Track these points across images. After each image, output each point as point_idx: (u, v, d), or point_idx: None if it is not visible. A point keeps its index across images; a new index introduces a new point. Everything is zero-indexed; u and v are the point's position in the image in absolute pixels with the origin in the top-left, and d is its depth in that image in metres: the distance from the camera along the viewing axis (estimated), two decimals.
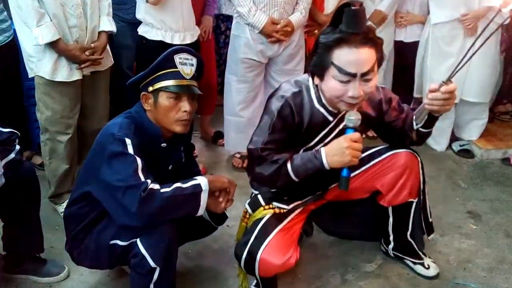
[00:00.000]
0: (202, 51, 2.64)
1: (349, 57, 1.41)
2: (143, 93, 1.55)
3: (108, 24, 2.22)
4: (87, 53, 2.12)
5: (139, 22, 2.45)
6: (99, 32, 2.19)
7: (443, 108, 1.50)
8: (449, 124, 3.08)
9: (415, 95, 3.12)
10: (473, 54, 1.46)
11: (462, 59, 1.43)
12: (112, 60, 2.36)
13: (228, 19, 3.33)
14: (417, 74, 3.07)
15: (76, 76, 2.14)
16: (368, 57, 1.42)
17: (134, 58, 2.75)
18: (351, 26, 1.40)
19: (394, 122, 1.72)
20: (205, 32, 2.84)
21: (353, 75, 1.42)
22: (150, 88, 1.52)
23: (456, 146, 3.09)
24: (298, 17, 2.51)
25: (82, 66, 2.13)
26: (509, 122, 3.43)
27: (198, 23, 2.84)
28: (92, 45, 2.15)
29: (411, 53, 3.08)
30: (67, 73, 2.11)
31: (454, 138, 3.16)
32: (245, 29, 2.51)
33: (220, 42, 3.58)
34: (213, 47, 3.11)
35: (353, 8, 1.40)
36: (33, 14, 1.97)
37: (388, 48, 3.06)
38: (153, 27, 2.36)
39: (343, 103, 1.50)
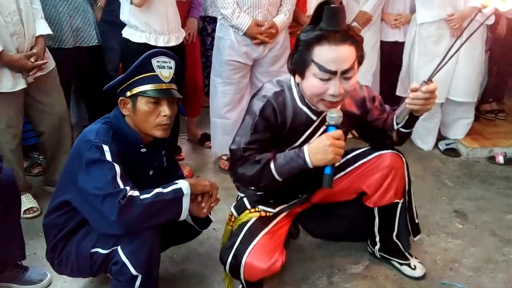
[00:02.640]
0: (187, 54, 2.63)
1: (329, 54, 1.40)
2: (121, 98, 1.52)
3: (44, 28, 2.19)
4: (32, 59, 2.08)
5: (124, 24, 2.42)
6: (37, 37, 2.16)
7: (424, 107, 1.50)
8: (436, 123, 3.10)
9: (401, 94, 3.13)
10: (454, 54, 1.46)
11: (443, 59, 1.44)
12: (54, 61, 2.30)
13: (215, 21, 3.31)
14: (403, 73, 3.08)
15: (21, 85, 2.10)
16: (348, 55, 1.42)
17: (119, 61, 2.73)
18: (331, 24, 1.40)
19: (376, 121, 1.71)
20: (189, 35, 2.82)
21: (333, 73, 1.42)
22: (128, 93, 1.49)
23: (442, 145, 3.11)
24: (282, 18, 2.50)
25: (31, 73, 2.09)
26: (495, 120, 3.48)
27: (183, 25, 2.82)
28: (34, 50, 2.12)
29: None
30: (11, 83, 2.07)
31: (440, 137, 3.18)
32: (229, 31, 2.50)
33: (207, 44, 3.56)
34: (198, 49, 3.10)
35: (332, 6, 1.40)
36: None
37: (374, 49, 3.07)
38: (137, 29, 2.34)
39: (322, 102, 1.49)
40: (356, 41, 1.44)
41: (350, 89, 1.48)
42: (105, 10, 2.71)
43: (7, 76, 2.05)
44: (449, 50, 1.45)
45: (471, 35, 1.46)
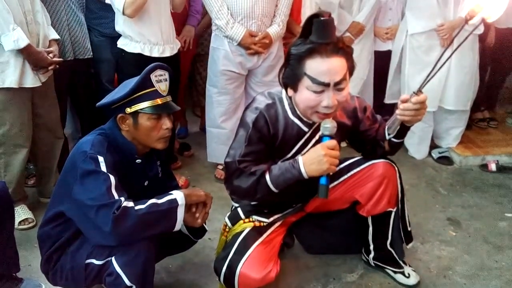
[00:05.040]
0: (181, 59, 2.65)
1: (322, 67, 1.42)
2: (120, 115, 1.52)
3: (55, 33, 2.31)
4: (51, 55, 2.17)
5: (118, 36, 2.45)
6: (50, 40, 2.26)
7: (414, 118, 1.53)
8: (429, 132, 3.13)
9: (389, 101, 3.16)
10: (443, 64, 1.48)
11: (433, 69, 1.46)
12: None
13: None
14: (390, 80, 3.12)
15: (38, 82, 2.18)
16: (339, 66, 1.44)
17: (114, 72, 2.75)
18: (321, 36, 1.42)
19: (367, 131, 1.73)
20: (185, 42, 2.86)
21: (327, 85, 1.44)
22: (128, 110, 1.50)
23: (435, 154, 3.14)
24: (276, 29, 2.54)
25: (50, 68, 2.18)
26: (487, 129, 3.51)
27: (180, 32, 2.86)
28: (51, 49, 2.21)
29: None
30: (31, 77, 2.14)
31: (433, 145, 3.21)
32: (224, 41, 2.53)
33: None
34: (192, 56, 3.14)
35: (322, 18, 1.42)
36: (8, 18, 1.98)
37: (367, 59, 3.11)
38: (132, 39, 2.36)
39: (316, 114, 1.51)
40: (347, 52, 1.46)
41: (343, 100, 1.50)
42: (100, 23, 2.74)
43: (29, 71, 2.13)
44: (439, 60, 1.47)
45: (460, 44, 1.49)
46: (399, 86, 3.12)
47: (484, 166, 3.00)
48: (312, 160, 1.48)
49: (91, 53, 2.68)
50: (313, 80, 1.43)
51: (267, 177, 1.55)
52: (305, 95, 1.48)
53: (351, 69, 1.49)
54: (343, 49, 1.45)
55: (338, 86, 1.45)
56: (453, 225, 2.37)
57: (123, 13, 2.26)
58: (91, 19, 2.73)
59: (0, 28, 1.99)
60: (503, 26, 3.26)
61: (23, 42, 2.02)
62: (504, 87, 3.81)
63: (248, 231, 1.69)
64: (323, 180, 1.49)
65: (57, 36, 2.31)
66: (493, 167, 2.96)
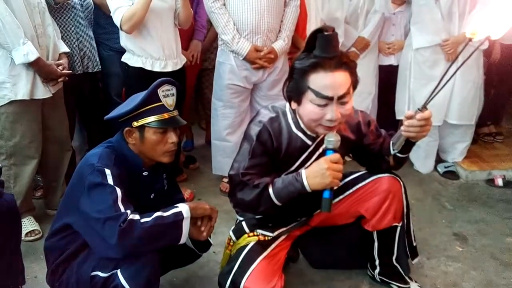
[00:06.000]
0: (188, 73, 2.68)
1: (325, 81, 1.44)
2: (127, 128, 1.54)
3: (65, 47, 2.37)
4: (60, 67, 2.23)
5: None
6: (60, 54, 2.32)
7: (419, 134, 1.53)
8: (434, 146, 3.13)
9: (398, 117, 3.17)
10: (448, 80, 1.49)
11: (437, 85, 1.47)
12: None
13: None
14: (399, 96, 3.13)
15: (49, 93, 2.22)
16: (343, 80, 1.46)
17: (122, 86, 2.79)
18: (325, 51, 1.44)
19: (371, 145, 1.74)
20: (193, 57, 2.90)
21: (330, 99, 1.45)
22: (135, 123, 1.52)
23: (441, 168, 3.12)
24: (281, 44, 2.57)
25: (59, 80, 2.23)
26: (493, 143, 3.50)
27: (187, 47, 2.90)
28: (61, 61, 2.27)
29: None
30: (41, 89, 2.18)
31: (439, 160, 3.20)
32: (230, 56, 2.56)
33: None
34: (198, 70, 3.17)
35: (326, 33, 1.44)
36: (18, 33, 2.03)
37: (373, 74, 3.13)
38: (134, 54, 2.41)
39: (321, 126, 1.52)
40: (350, 67, 1.48)
41: (346, 113, 1.51)
42: (110, 38, 2.79)
43: (40, 83, 2.18)
44: (444, 75, 1.47)
45: (465, 61, 1.49)
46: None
47: (491, 181, 2.98)
48: (315, 173, 1.49)
49: (100, 67, 2.73)
50: (317, 94, 1.45)
51: (270, 190, 1.56)
52: (308, 108, 1.49)
53: (354, 83, 1.51)
54: (346, 64, 1.47)
55: (341, 100, 1.47)
56: (459, 240, 2.35)
57: (121, 29, 2.32)
58: (101, 34, 2.78)
59: (11, 42, 2.04)
60: (509, 42, 3.27)
61: (33, 55, 2.07)
62: (510, 102, 3.81)
63: (252, 245, 1.69)
64: (326, 194, 1.49)
65: (67, 50, 2.36)
66: (499, 182, 2.94)
